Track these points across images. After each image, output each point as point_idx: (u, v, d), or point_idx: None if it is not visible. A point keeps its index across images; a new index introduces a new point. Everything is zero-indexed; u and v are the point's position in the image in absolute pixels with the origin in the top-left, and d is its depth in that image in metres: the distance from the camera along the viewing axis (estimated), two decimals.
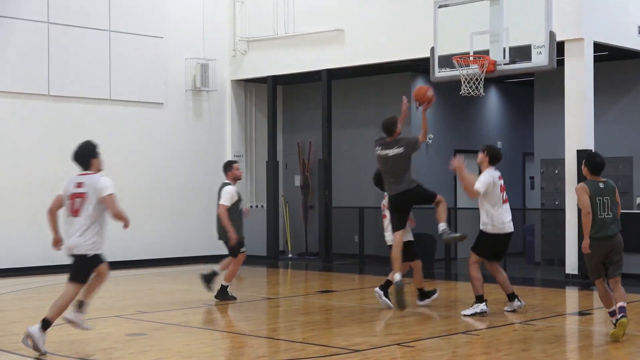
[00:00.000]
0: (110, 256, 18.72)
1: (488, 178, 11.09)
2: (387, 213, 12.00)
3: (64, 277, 16.19)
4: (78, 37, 17.92)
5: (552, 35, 13.70)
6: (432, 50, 15.14)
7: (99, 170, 9.25)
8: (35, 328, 8.73)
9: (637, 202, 17.41)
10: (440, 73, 15.04)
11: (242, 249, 12.77)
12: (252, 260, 19.30)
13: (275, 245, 20.03)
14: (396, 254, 11.36)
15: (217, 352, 9.11)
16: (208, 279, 12.90)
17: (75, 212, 9.12)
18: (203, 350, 9.04)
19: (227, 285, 12.82)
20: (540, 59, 13.79)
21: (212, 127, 20.43)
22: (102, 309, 11.91)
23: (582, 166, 9.86)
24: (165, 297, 13.55)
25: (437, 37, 15.07)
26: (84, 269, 9.21)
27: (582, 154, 14.98)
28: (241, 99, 20.96)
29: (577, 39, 15.01)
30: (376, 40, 17.79)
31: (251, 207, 21.02)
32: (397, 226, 11.54)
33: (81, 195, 9.06)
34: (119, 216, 9.13)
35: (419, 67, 18.53)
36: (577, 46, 15.06)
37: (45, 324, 8.83)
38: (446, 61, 14.81)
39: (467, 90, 14.34)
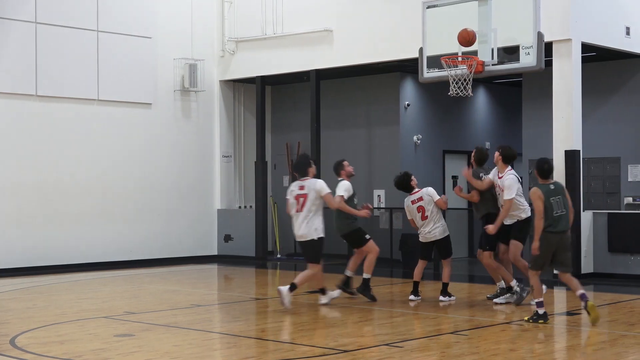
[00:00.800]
0: (97, 257, 18.79)
1: (513, 182, 11.79)
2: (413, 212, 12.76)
3: (50, 278, 16.17)
4: (66, 38, 17.87)
5: (540, 36, 13.73)
6: (421, 50, 15.16)
7: (314, 175, 12.13)
8: (284, 287, 11.68)
9: (625, 202, 17.47)
10: (428, 74, 15.06)
11: (367, 236, 12.79)
12: (240, 261, 19.30)
13: (263, 245, 20.01)
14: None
15: (206, 353, 9.09)
16: (358, 289, 12.81)
17: (300, 209, 11.84)
18: (192, 351, 9.02)
19: (369, 278, 12.67)
20: (528, 59, 13.83)
21: (200, 128, 20.40)
22: (90, 310, 11.88)
23: (534, 171, 10.89)
24: (153, 298, 13.52)
25: (425, 38, 15.09)
26: (314, 250, 11.91)
27: (570, 155, 15.05)
28: (230, 100, 20.94)
29: (565, 40, 15.06)
30: (365, 41, 17.80)
31: (239, 207, 20.99)
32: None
33: (303, 196, 11.84)
34: (344, 210, 12.19)
35: (408, 67, 18.56)
36: (565, 47, 15.10)
37: (292, 286, 11.77)
38: (435, 62, 14.83)
39: (456, 90, 14.37)
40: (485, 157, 12.58)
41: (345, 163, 13.01)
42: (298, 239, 12.04)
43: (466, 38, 13.87)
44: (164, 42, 19.53)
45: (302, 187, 11.98)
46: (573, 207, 10.98)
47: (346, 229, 12.72)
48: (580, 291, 10.57)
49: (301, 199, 11.85)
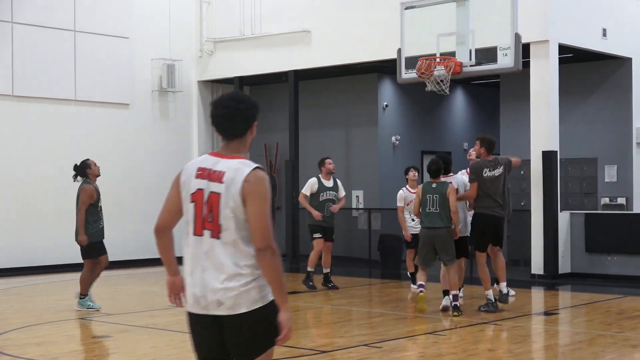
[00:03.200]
0: (75, 259, 18.58)
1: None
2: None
3: (27, 280, 16.05)
4: (43, 37, 17.76)
5: (517, 37, 13.78)
6: (399, 51, 15.17)
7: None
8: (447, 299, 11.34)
9: (602, 203, 17.57)
10: (407, 74, 15.06)
11: (316, 235, 13.91)
12: None
13: None
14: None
15: (184, 354, 9.06)
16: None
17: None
18: (170, 352, 8.99)
19: (312, 271, 14.07)
20: (505, 60, 13.87)
21: (178, 128, 20.34)
22: (67, 311, 11.81)
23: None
24: (132, 299, 13.47)
25: (403, 39, 15.10)
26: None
27: (547, 155, 15.12)
28: (208, 100, 20.87)
29: (542, 41, 15.13)
30: (343, 42, 17.81)
31: None
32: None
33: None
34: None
35: (386, 68, 18.58)
36: (542, 48, 15.18)
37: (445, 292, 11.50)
38: (413, 63, 14.84)
39: (432, 87, 14.37)
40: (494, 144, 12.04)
41: (328, 160, 14.12)
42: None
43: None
44: (142, 42, 19.44)
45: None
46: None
47: (307, 222, 14.18)
48: (457, 292, 11.18)
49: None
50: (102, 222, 11.98)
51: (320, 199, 13.80)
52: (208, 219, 4.49)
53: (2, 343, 9.34)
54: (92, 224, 11.80)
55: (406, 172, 14.09)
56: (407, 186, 13.79)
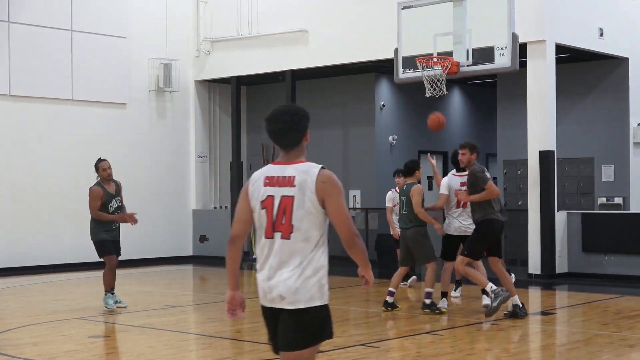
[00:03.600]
0: (71, 258, 18.64)
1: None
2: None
3: (23, 279, 16.04)
4: (40, 37, 17.74)
5: (514, 37, 13.78)
6: (396, 51, 15.17)
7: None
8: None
9: (599, 202, 17.59)
10: (404, 74, 15.06)
11: None
12: (216, 262, 19.24)
13: None
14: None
15: (181, 354, 9.06)
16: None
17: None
18: (167, 352, 8.98)
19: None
20: (502, 60, 13.87)
21: (175, 128, 20.33)
22: (64, 311, 11.80)
23: None
24: (128, 299, 13.43)
25: (400, 39, 15.10)
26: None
27: (544, 155, 15.12)
28: (205, 100, 20.88)
29: (539, 41, 15.14)
30: (340, 41, 17.80)
31: (215, 208, 20.95)
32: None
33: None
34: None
35: (383, 68, 18.58)
36: (539, 48, 15.18)
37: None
38: (410, 62, 14.84)
39: (432, 92, 14.39)
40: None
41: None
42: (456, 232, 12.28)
43: (435, 121, 12.71)
44: (139, 41, 19.43)
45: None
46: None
47: None
48: (429, 290, 11.22)
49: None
50: (116, 222, 12.13)
51: None
52: (281, 222, 4.86)
53: None
54: (99, 224, 11.97)
55: (394, 175, 14.27)
56: (397, 187, 13.88)
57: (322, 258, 4.94)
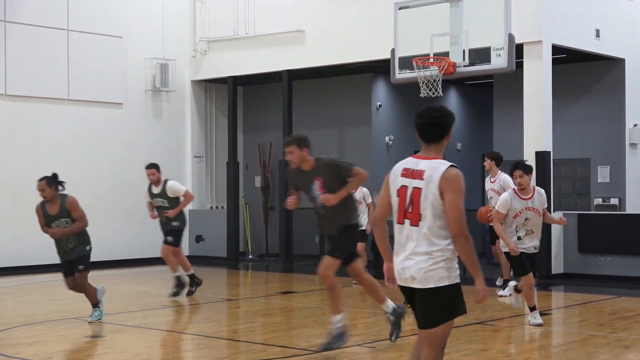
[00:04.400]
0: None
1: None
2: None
3: (19, 279, 16.02)
4: (36, 36, 17.72)
5: (511, 37, 13.81)
6: (393, 51, 15.19)
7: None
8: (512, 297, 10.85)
9: (595, 203, 17.61)
10: (400, 74, 15.08)
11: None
12: (212, 262, 19.23)
13: (235, 246, 19.95)
14: None
15: (178, 354, 9.05)
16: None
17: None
18: (163, 352, 8.98)
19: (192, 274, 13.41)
20: (499, 61, 13.89)
21: (172, 128, 20.32)
22: (59, 311, 11.79)
23: None
24: (124, 299, 13.44)
25: (397, 39, 15.12)
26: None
27: (540, 156, 15.14)
28: (201, 100, 20.86)
29: (535, 42, 15.14)
30: (337, 42, 17.81)
31: (211, 208, 20.94)
32: None
33: None
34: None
35: (380, 68, 18.58)
36: (535, 49, 15.19)
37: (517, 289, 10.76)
38: (407, 63, 14.86)
39: (427, 92, 14.41)
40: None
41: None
42: None
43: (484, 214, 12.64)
44: (135, 41, 19.41)
45: None
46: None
47: None
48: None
49: None
50: (71, 240, 10.76)
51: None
52: (409, 210, 5.46)
53: None
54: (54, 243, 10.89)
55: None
56: None
57: (447, 243, 5.38)
